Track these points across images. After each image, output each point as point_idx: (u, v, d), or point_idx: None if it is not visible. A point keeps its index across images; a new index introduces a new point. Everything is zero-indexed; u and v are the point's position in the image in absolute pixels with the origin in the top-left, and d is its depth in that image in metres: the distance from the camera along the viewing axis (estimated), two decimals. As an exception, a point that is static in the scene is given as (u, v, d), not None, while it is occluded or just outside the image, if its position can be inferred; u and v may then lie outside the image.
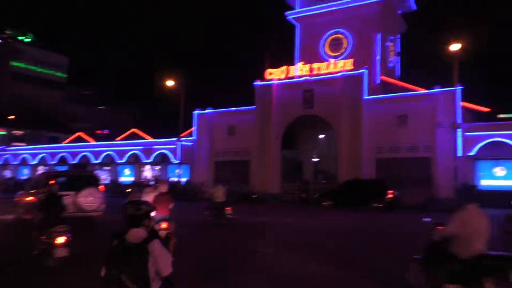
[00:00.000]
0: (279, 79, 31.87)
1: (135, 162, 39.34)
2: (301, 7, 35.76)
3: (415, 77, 36.82)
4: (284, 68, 31.90)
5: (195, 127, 35.46)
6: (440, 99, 26.24)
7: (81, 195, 12.78)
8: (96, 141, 45.77)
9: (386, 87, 31.44)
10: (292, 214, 20.51)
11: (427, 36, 57.18)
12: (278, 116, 31.54)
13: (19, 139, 74.03)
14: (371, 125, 28.29)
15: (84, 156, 42.04)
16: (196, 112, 35.54)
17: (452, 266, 5.16)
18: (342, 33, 34.14)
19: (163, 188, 9.19)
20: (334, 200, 23.62)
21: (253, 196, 30.29)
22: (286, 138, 32.43)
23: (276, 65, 32.31)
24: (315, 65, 30.73)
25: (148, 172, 39.08)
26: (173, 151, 35.21)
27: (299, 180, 31.06)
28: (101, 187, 14.12)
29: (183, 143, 34.19)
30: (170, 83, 32.62)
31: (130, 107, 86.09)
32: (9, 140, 72.42)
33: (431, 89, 26.80)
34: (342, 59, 31.14)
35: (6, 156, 49.71)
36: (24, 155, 48.01)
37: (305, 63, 31.24)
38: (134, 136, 44.11)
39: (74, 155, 42.79)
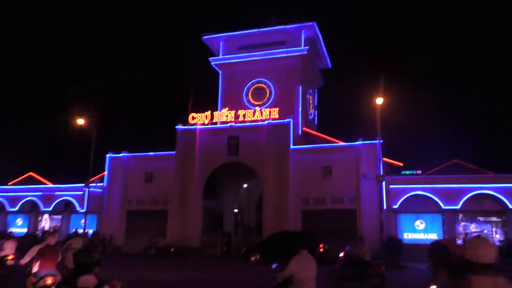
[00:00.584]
0: (203, 124, 30.49)
1: (31, 211, 34.22)
2: (224, 54, 35.48)
3: (331, 130, 38.00)
4: (208, 113, 30.68)
5: (107, 172, 32.12)
6: (363, 151, 26.78)
7: None
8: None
9: (307, 138, 31.65)
10: (201, 269, 18.67)
11: (341, 92, 60.58)
12: (201, 162, 29.81)
13: None
14: (297, 175, 27.81)
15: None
16: (109, 155, 32.37)
17: None
18: (264, 83, 34.24)
19: (52, 241, 8.77)
20: (262, 254, 22.11)
21: (171, 249, 27.60)
22: (209, 187, 30.63)
23: (200, 110, 31.05)
24: (240, 112, 30.02)
25: (46, 222, 34.10)
26: (80, 198, 31.25)
27: (220, 232, 29.16)
28: None
29: (92, 189, 30.53)
30: (80, 121, 29.37)
31: (27, 146, 77.91)
32: None
33: (354, 142, 27.35)
34: (265, 108, 30.91)
35: None
36: None
37: (229, 109, 30.42)
38: (31, 180, 38.92)
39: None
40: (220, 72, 35.49)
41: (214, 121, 30.52)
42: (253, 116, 29.69)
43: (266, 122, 29.09)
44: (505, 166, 30.70)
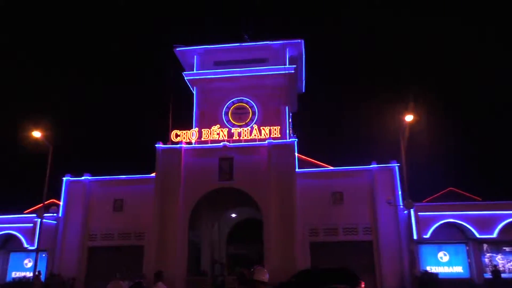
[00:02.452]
0: (189, 143, 26.08)
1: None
2: (198, 69, 31.62)
3: (314, 156, 35.39)
4: (195, 130, 26.44)
5: (63, 199, 25.92)
6: (378, 175, 24.32)
7: None
8: None
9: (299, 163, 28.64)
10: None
11: (315, 117, 58.97)
12: (187, 188, 25.13)
13: None
14: (303, 202, 24.39)
15: None
16: (66, 178, 26.26)
17: None
18: (246, 102, 30.84)
19: None
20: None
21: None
22: (191, 216, 25.87)
23: (177, 128, 26.58)
24: (235, 130, 26.25)
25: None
26: (27, 231, 24.46)
27: (211, 273, 24.49)
28: None
29: (45, 220, 24.08)
30: (36, 134, 23.35)
31: None
32: None
33: (367, 165, 24.85)
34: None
35: None
36: None
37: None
38: None
39: None
40: (194, 88, 31.43)
41: (202, 139, 26.30)
42: (250, 135, 26.06)
43: (266, 141, 25.57)
44: (495, 193, 30.29)
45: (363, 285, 17.87)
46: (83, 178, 26.28)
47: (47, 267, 24.87)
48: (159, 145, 25.97)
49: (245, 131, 26.26)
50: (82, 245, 25.22)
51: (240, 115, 30.38)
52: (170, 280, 23.30)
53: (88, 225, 25.62)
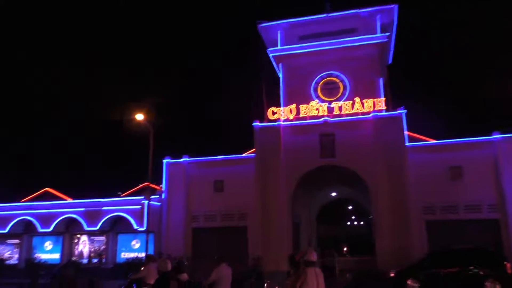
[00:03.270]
0: (287, 120, 25.05)
1: (66, 232, 27.72)
2: (283, 45, 30.17)
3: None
4: (293, 106, 25.31)
5: (165, 182, 26.14)
6: (503, 147, 21.79)
7: None
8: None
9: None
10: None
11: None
12: (287, 166, 24.19)
13: None
14: (416, 179, 22.52)
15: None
16: (166, 161, 26.42)
17: None
18: (336, 76, 28.99)
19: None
20: (420, 280, 16.54)
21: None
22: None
23: (268, 107, 25.53)
24: (335, 104, 24.79)
25: (85, 245, 27.58)
26: (135, 214, 25.01)
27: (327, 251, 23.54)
28: None
29: (153, 202, 24.41)
30: (139, 117, 23.47)
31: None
32: None
33: (489, 136, 22.35)
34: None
35: None
36: None
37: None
38: (47, 196, 32.52)
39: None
40: (280, 65, 30.13)
41: (300, 115, 25.14)
42: (352, 109, 24.46)
43: (371, 115, 23.87)
44: None
45: (509, 267, 15.88)
46: (182, 160, 26.28)
47: (154, 248, 25.31)
48: (257, 124, 25.20)
49: (346, 104, 24.70)
50: (186, 226, 25.35)
51: (330, 90, 28.68)
52: (274, 260, 22.82)
53: (190, 206, 25.65)
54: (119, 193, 32.86)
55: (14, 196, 34.54)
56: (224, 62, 74.22)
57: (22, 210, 28.14)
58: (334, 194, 29.11)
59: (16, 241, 29.48)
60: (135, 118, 23.55)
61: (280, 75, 29.30)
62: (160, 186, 32.59)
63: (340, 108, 24.61)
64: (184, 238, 25.07)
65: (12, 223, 27.69)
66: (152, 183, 26.08)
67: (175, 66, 74.82)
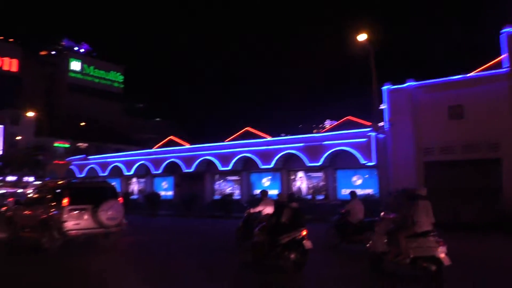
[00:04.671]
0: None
1: (283, 168, 27.43)
2: None
3: None
4: None
5: (388, 110, 23.11)
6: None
7: (102, 209, 11.36)
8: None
9: None
10: None
11: None
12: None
13: (84, 151, 64.80)
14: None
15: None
16: (386, 87, 23.25)
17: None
18: None
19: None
20: None
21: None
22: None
23: None
24: None
25: (303, 182, 26.84)
26: (360, 147, 22.82)
27: None
28: (120, 200, 12.41)
29: (376, 134, 21.73)
30: (361, 37, 20.48)
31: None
32: (73, 153, 63.56)
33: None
34: None
35: (91, 165, 39.62)
36: (114, 164, 37.62)
37: None
38: (247, 135, 32.62)
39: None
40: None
41: None
42: None
43: None
44: None
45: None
46: (406, 85, 22.74)
47: (379, 184, 22.96)
48: (508, 29, 19.96)
49: None
50: (416, 160, 22.12)
51: None
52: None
53: (419, 137, 22.24)
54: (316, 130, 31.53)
55: (220, 136, 36.31)
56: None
57: (240, 148, 28.78)
58: None
59: (236, 177, 30.60)
60: (355, 39, 20.69)
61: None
62: (363, 120, 29.90)
63: None
64: (415, 172, 21.92)
65: (234, 160, 28.51)
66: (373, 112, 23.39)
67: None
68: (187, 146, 33.53)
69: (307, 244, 8.76)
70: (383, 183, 22.62)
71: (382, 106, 22.75)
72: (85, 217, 11.40)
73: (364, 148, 22.27)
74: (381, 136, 22.68)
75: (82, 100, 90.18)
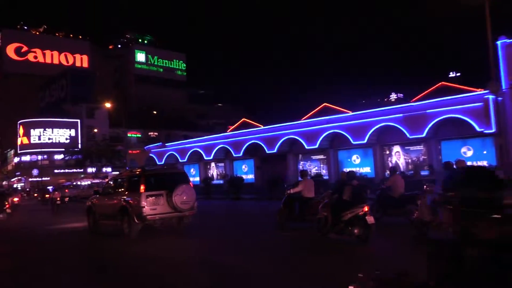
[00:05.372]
0: None
1: (376, 143, 25.16)
2: None
3: None
4: None
5: (502, 68, 20.00)
6: None
7: (176, 193, 11.74)
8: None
9: None
10: None
11: None
12: None
13: (155, 140, 65.98)
14: None
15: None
16: (501, 42, 20.08)
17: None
18: None
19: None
20: None
21: None
22: None
23: None
24: None
25: (400, 157, 24.40)
26: (474, 113, 20.00)
27: None
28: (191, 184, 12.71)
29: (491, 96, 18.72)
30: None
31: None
32: (145, 142, 64.91)
33: None
34: None
35: (170, 152, 39.78)
36: (193, 149, 37.46)
37: None
38: (325, 111, 30.29)
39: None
40: None
41: None
42: None
43: None
44: None
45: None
46: (526, 37, 19.45)
47: (496, 153, 20.06)
48: None
49: None
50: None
51: None
52: None
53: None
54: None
55: (293, 115, 34.35)
56: None
57: (327, 124, 26.85)
58: None
59: (322, 156, 28.83)
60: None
61: None
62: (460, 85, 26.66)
63: None
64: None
65: (321, 137, 26.72)
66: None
67: None
68: (269, 126, 32.03)
69: (370, 219, 8.98)
70: (503, 153, 19.67)
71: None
72: (161, 202, 11.77)
73: (480, 114, 19.41)
74: (499, 99, 19.63)
75: (148, 90, 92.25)
